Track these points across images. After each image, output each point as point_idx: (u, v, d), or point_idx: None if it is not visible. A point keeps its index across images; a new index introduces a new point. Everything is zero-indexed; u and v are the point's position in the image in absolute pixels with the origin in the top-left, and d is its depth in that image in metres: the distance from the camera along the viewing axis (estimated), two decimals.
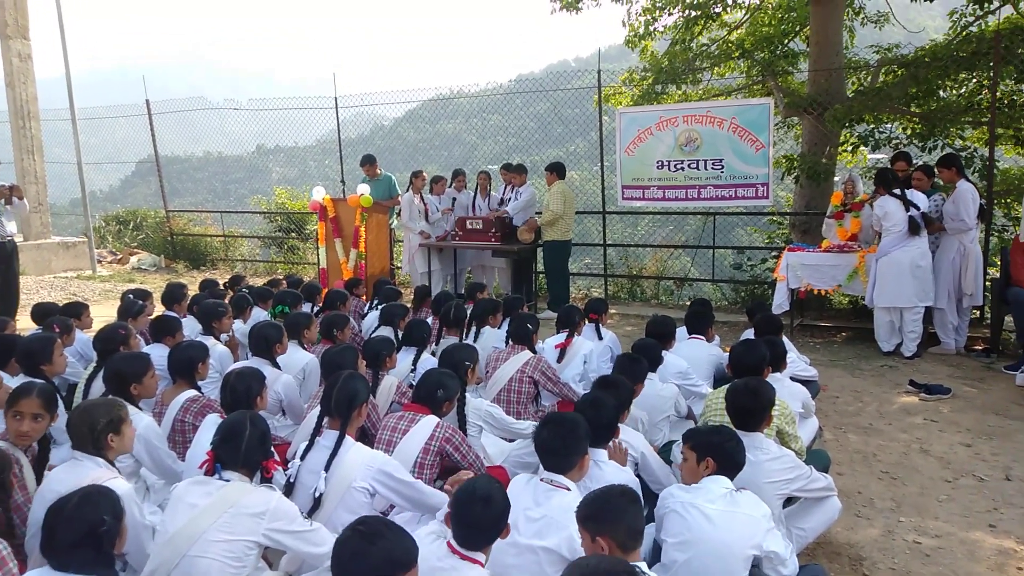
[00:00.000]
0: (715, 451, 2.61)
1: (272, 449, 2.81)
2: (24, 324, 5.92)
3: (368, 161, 9.22)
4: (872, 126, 8.65)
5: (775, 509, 2.83)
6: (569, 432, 2.63)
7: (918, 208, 6.23)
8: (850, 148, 9.20)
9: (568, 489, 2.58)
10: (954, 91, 8.17)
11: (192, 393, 3.66)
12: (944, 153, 7.27)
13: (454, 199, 9.13)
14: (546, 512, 2.52)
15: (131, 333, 4.37)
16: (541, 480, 2.63)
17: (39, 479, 2.93)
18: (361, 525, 1.90)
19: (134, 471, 3.28)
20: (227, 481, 2.48)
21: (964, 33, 8.27)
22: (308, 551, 2.51)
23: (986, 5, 7.91)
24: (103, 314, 7.67)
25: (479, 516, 2.16)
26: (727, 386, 3.16)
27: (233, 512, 2.39)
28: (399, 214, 9.06)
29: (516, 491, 2.60)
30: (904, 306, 6.40)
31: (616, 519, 2.12)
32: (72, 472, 2.63)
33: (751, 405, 2.95)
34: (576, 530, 2.32)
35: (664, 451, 3.20)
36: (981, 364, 6.31)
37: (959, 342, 6.60)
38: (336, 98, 11.46)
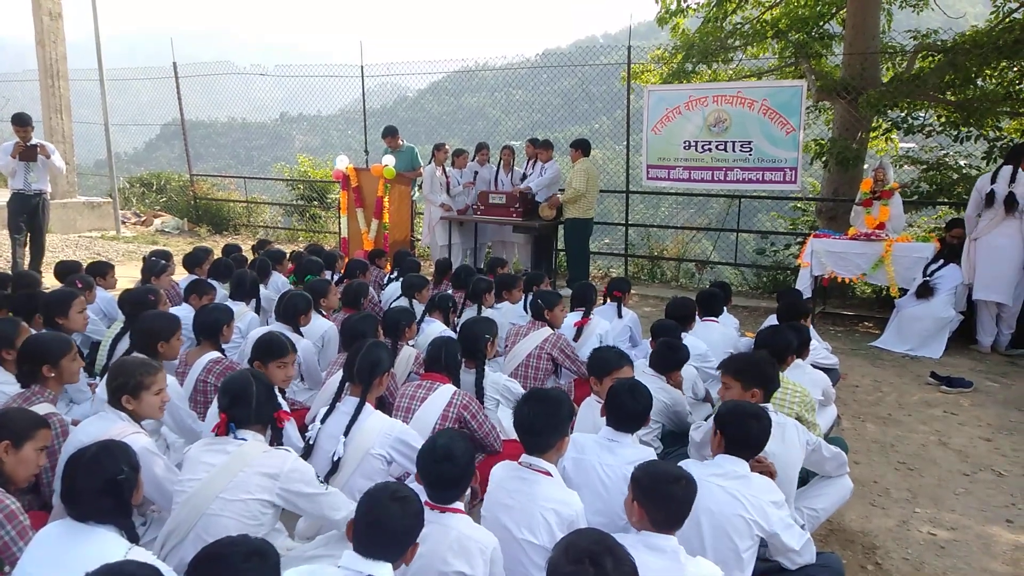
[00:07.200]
0: (730, 427, 2.53)
1: (282, 401, 2.88)
2: (48, 282, 6.00)
3: (390, 133, 9.18)
4: (905, 113, 8.46)
5: (791, 489, 2.81)
6: (551, 410, 2.52)
7: None
8: (882, 134, 9.02)
9: (549, 474, 2.48)
10: (993, 79, 7.96)
11: (215, 355, 3.71)
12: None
13: (476, 172, 9.09)
14: (526, 503, 2.42)
15: (161, 298, 4.40)
16: (520, 464, 2.53)
17: None
18: (391, 489, 2.01)
19: (155, 428, 3.33)
20: (243, 440, 2.52)
21: (1007, 20, 8.03)
22: (323, 514, 2.53)
23: None
24: (126, 274, 7.77)
25: (442, 473, 2.23)
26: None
27: (249, 471, 2.43)
28: (420, 186, 9.04)
29: (497, 477, 2.55)
30: None
31: (666, 505, 2.13)
32: (96, 425, 2.68)
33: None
34: (556, 523, 2.36)
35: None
36: (1005, 359, 6.22)
37: (1000, 340, 6.42)
38: (362, 67, 11.40)
